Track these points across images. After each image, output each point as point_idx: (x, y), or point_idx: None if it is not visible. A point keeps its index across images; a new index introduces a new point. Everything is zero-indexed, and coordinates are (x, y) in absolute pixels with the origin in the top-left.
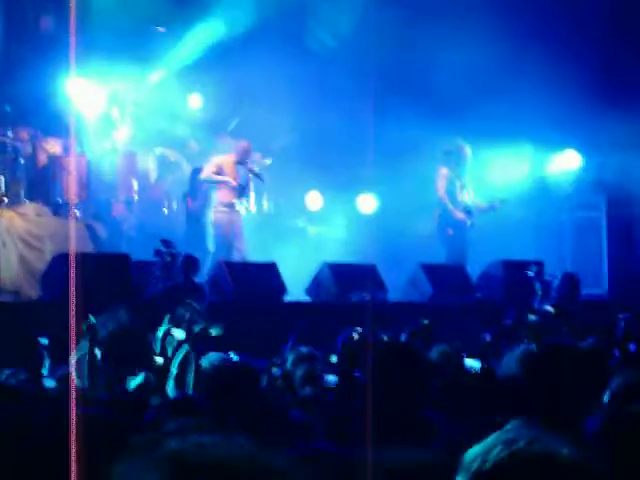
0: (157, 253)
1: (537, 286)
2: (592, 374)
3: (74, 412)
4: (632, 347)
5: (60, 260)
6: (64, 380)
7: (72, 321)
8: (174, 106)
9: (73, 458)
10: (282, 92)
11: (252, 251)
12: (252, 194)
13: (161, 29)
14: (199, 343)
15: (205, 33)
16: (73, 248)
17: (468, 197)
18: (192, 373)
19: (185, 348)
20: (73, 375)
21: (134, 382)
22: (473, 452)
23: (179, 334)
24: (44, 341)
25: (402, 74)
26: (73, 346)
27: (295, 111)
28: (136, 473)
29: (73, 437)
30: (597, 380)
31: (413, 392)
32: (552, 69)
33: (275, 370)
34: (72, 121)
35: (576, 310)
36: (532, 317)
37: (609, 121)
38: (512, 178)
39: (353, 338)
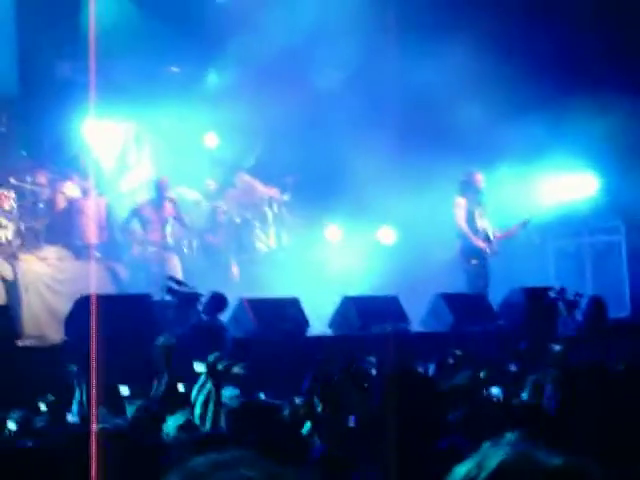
0: (171, 291)
1: (561, 307)
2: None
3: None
4: None
5: (82, 303)
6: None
7: (93, 363)
8: (190, 145)
9: None
10: (298, 128)
11: (273, 286)
12: (272, 229)
13: (175, 69)
14: (222, 381)
15: (218, 72)
16: (94, 290)
17: (487, 226)
18: (213, 410)
19: (208, 386)
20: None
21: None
22: (464, 466)
23: (199, 367)
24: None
25: (414, 106)
26: (94, 385)
27: (311, 146)
28: None
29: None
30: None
31: (429, 421)
32: (564, 91)
33: (298, 401)
34: (90, 164)
35: (603, 334)
36: (556, 347)
37: (625, 144)
38: (529, 204)
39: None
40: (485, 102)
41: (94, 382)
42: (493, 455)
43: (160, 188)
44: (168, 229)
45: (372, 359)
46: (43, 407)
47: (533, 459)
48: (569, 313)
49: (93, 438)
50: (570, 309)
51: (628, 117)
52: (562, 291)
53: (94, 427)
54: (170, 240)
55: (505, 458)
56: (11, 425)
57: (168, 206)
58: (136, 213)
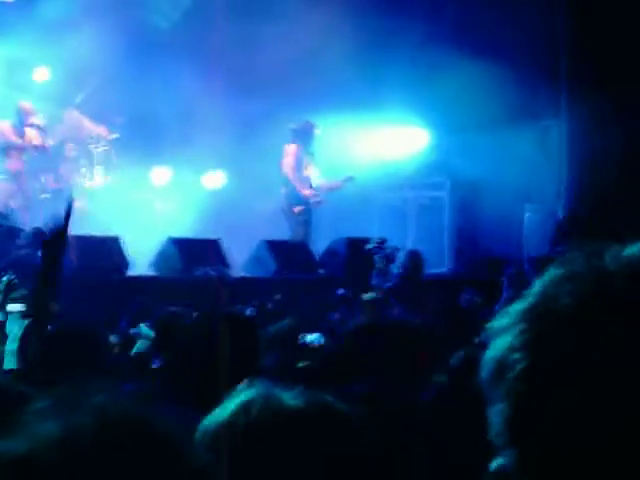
0: None
1: (377, 259)
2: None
3: None
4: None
5: None
6: None
7: None
8: (20, 79)
9: None
10: (128, 67)
11: (97, 225)
12: (98, 167)
13: (9, 0)
14: (39, 318)
15: (52, 6)
16: None
17: (314, 175)
18: (31, 346)
19: (24, 323)
20: None
21: None
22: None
23: (14, 308)
24: None
25: (248, 50)
26: None
27: (142, 86)
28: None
29: None
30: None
31: (247, 364)
32: (404, 46)
33: (113, 338)
34: None
35: (418, 287)
36: (367, 295)
37: (455, 102)
38: (357, 157)
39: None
40: (318, 49)
41: None
42: (237, 397)
43: (20, 114)
44: (24, 158)
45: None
46: None
47: (275, 401)
48: (386, 265)
49: None
50: (387, 261)
51: (463, 76)
52: (380, 243)
53: None
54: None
55: (246, 399)
56: None
57: (30, 133)
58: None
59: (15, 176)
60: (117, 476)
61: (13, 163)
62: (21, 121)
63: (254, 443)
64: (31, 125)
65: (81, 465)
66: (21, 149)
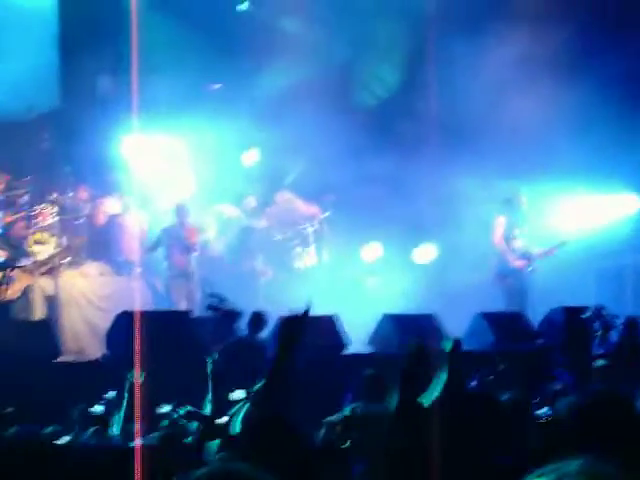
0: (211, 308)
1: (596, 327)
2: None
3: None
4: None
5: (123, 318)
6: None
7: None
8: (232, 162)
9: None
10: (337, 145)
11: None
12: (312, 247)
13: (216, 85)
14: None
15: (260, 88)
16: (138, 306)
17: (523, 245)
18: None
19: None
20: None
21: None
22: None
23: (238, 395)
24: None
25: (454, 120)
26: (139, 402)
27: (348, 163)
28: None
29: None
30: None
31: (493, 440)
32: (605, 106)
33: (334, 418)
34: (131, 179)
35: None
36: (600, 362)
37: None
38: (570, 223)
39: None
40: (530, 119)
41: (138, 398)
42: (568, 471)
43: (178, 214)
44: (191, 255)
45: None
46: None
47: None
48: (605, 333)
49: (137, 454)
50: (606, 329)
51: None
52: (599, 310)
53: (138, 442)
54: (190, 268)
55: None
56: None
57: (187, 233)
58: (161, 237)
59: (184, 274)
60: None
61: (177, 260)
62: (179, 221)
63: None
64: (187, 225)
65: None
66: (179, 248)
